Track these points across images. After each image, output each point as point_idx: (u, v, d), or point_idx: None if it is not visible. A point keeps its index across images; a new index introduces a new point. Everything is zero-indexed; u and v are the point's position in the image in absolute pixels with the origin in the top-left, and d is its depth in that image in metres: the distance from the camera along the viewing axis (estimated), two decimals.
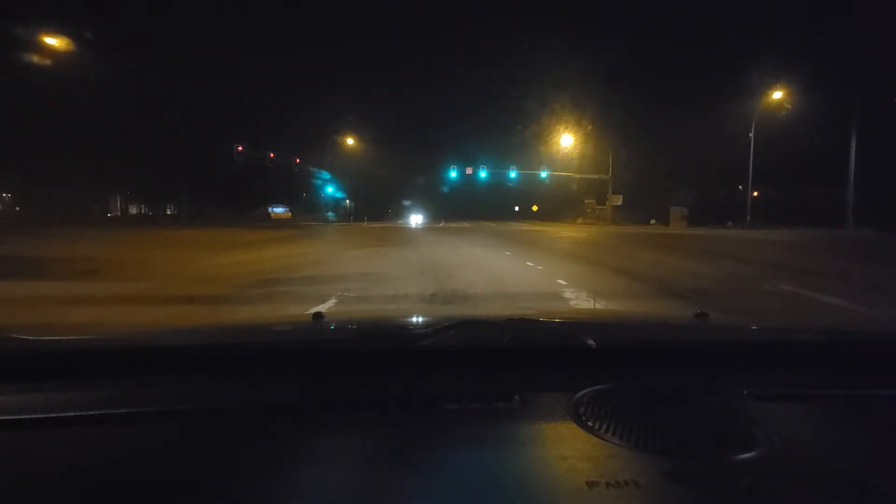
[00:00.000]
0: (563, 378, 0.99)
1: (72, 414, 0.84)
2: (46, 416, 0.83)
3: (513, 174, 37.28)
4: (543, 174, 37.76)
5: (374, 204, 57.36)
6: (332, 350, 1.13)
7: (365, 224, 37.83)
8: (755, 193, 28.83)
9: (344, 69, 67.40)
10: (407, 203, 54.74)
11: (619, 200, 39.22)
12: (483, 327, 1.19)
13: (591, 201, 47.34)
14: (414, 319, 1.66)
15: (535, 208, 59.06)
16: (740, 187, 29.89)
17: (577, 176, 38.64)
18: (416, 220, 45.28)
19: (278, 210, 46.43)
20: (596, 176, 37.65)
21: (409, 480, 0.67)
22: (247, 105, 38.13)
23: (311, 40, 62.38)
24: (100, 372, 0.98)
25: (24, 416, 0.83)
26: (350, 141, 40.91)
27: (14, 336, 1.06)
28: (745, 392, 0.94)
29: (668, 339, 1.31)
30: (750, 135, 27.21)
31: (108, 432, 0.80)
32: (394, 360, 1.07)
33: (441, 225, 37.86)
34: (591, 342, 1.07)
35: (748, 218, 27.17)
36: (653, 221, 33.20)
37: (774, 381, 1.03)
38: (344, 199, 48.06)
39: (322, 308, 4.25)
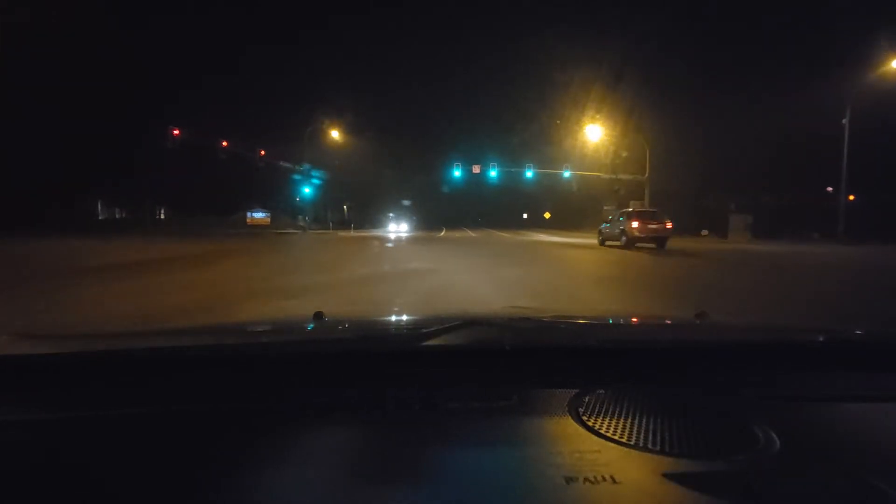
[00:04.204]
0: (562, 378, 0.98)
1: (71, 415, 0.84)
2: (46, 416, 0.83)
3: (529, 173, 30.96)
4: (566, 173, 31.46)
5: (366, 208, 51.37)
6: (332, 350, 1.11)
7: (349, 233, 31.37)
8: (851, 197, 22.35)
9: (331, 51, 61.29)
10: (406, 203, 48.42)
11: (645, 207, 33.40)
12: (483, 327, 1.18)
13: (610, 208, 41.25)
14: (414, 320, 1.62)
15: (547, 215, 52.24)
16: (829, 189, 23.46)
17: (606, 176, 32.18)
18: (398, 228, 38.03)
19: (258, 215, 41.58)
20: (629, 176, 31.33)
21: (408, 480, 0.67)
22: (226, 97, 32.31)
23: (294, 27, 56.50)
24: (99, 372, 0.97)
25: (24, 417, 0.83)
26: (335, 133, 34.24)
27: (14, 336, 1.07)
28: (745, 392, 0.94)
29: (669, 339, 1.30)
30: (843, 121, 20.87)
31: (107, 432, 0.79)
32: (394, 361, 1.05)
33: (441, 234, 31.42)
34: (591, 342, 1.12)
35: (841, 228, 20.84)
36: (705, 232, 26.77)
37: (775, 380, 1.01)
38: (323, 202, 41.68)
39: None
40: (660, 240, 15.28)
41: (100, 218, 38.35)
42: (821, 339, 1.18)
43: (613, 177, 31.78)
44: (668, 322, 1.71)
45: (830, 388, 0.99)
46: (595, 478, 0.64)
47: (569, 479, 0.64)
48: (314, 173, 34.99)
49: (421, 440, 0.77)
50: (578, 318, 1.58)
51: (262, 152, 30.93)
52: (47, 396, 0.89)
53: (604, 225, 18.41)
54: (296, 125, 34.45)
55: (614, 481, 0.63)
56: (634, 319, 1.85)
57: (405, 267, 9.08)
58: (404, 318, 1.80)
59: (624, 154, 31.08)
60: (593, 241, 20.39)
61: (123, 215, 39.55)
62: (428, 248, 15.53)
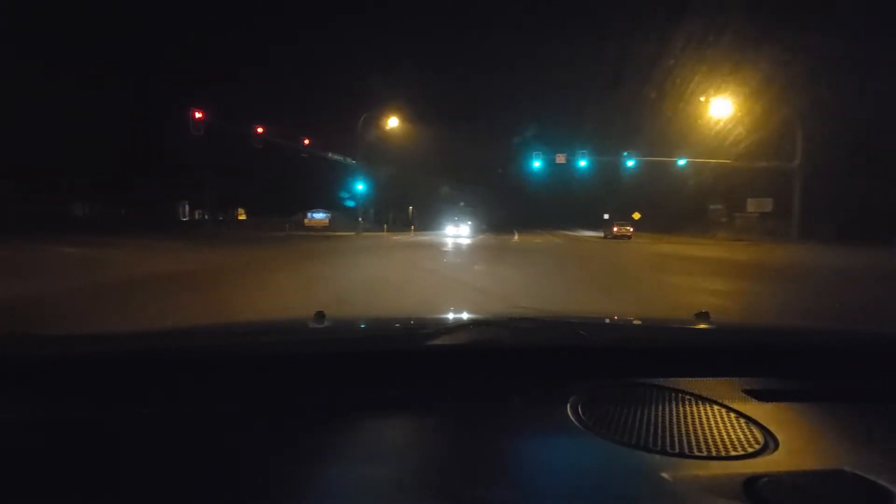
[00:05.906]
0: (563, 377, 0.98)
1: (72, 415, 0.84)
2: (47, 417, 0.83)
3: (630, 162, 24.50)
4: (681, 161, 24.61)
5: (429, 207, 46.74)
6: (334, 350, 1.11)
7: (407, 236, 26.51)
8: None
9: (389, 33, 56.68)
10: (470, 202, 43.26)
11: (768, 206, 26.71)
12: (484, 327, 1.18)
13: (718, 207, 33.28)
14: (416, 320, 1.62)
15: (636, 216, 44.41)
16: None
17: (740, 165, 24.71)
18: (461, 230, 31.82)
19: (317, 216, 38.96)
20: (764, 164, 23.84)
21: (409, 479, 0.68)
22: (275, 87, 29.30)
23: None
24: (102, 373, 0.96)
25: (24, 417, 0.83)
26: (394, 121, 29.54)
27: (15, 337, 1.06)
28: (745, 392, 0.94)
29: (669, 339, 1.30)
30: None
31: (107, 433, 0.80)
32: (396, 360, 1.05)
33: (515, 239, 25.73)
34: (591, 342, 1.11)
35: None
36: None
37: (775, 380, 1.02)
38: (383, 201, 37.38)
39: None
40: (625, 237, 26.18)
41: (184, 219, 38.88)
42: (821, 339, 1.16)
43: (751, 166, 24.33)
44: (669, 322, 1.73)
45: (830, 388, 0.99)
46: (595, 477, 0.65)
47: (569, 478, 0.65)
48: (366, 168, 30.68)
49: (421, 440, 0.78)
50: (579, 318, 1.59)
51: (307, 141, 26.57)
52: (47, 396, 0.89)
53: (604, 228, 29.26)
54: (348, 116, 30.34)
55: (614, 481, 0.65)
56: (635, 319, 1.81)
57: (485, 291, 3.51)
58: (406, 318, 1.78)
59: (755, 135, 23.63)
60: (735, 253, 13.91)
61: (205, 217, 39.32)
62: (513, 273, 9.73)
